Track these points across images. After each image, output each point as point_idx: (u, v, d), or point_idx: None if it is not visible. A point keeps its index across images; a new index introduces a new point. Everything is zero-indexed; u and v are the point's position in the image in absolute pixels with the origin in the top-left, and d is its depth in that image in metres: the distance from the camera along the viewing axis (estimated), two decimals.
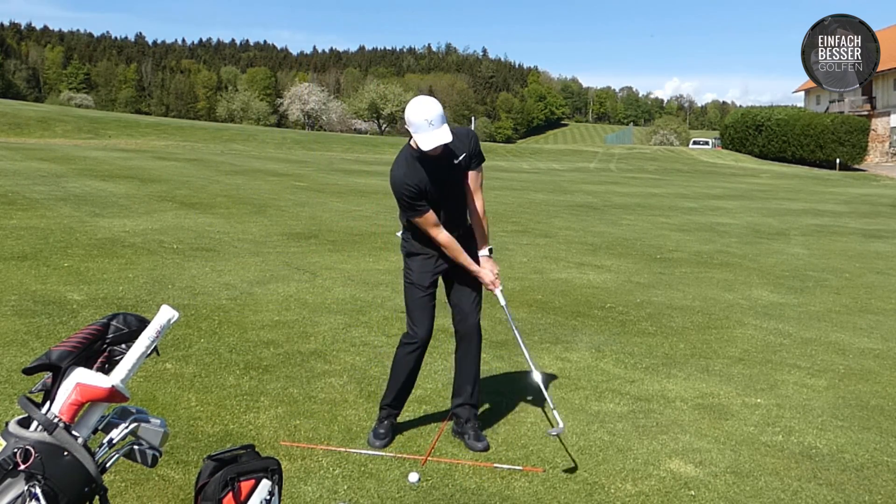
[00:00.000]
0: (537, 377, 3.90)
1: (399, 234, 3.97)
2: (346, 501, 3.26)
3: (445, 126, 3.51)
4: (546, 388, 3.96)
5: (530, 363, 3.92)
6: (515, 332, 4.02)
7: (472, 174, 3.83)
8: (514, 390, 4.71)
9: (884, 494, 3.55)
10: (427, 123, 3.46)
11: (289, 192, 16.47)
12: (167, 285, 6.95)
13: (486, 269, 3.87)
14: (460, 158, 3.73)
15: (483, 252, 3.92)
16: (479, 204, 3.88)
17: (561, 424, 3.76)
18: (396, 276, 7.99)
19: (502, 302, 3.98)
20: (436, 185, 3.68)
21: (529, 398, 4.56)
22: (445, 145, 3.56)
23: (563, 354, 5.49)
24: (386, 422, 3.94)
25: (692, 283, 8.51)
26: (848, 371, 5.42)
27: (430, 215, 3.68)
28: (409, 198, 3.64)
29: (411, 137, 3.62)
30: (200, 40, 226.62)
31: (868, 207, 19.87)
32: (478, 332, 3.96)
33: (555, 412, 3.85)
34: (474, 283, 3.93)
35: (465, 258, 3.82)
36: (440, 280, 3.96)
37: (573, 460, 3.73)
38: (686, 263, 9.82)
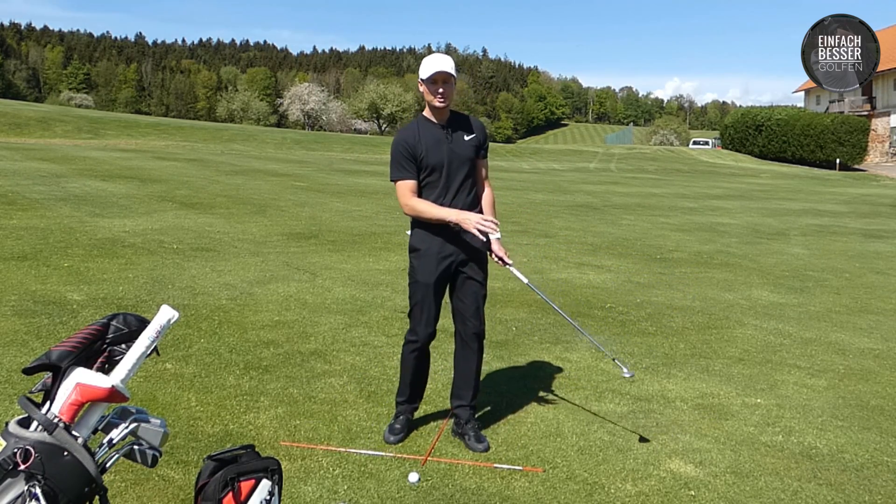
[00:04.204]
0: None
1: (409, 231, 3.98)
2: (346, 501, 3.26)
3: (450, 59, 3.74)
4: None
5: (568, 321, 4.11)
6: (557, 308, 4.13)
7: (479, 162, 3.95)
8: (514, 390, 4.71)
9: (884, 494, 3.55)
10: (437, 56, 3.72)
11: (289, 192, 16.47)
12: (167, 285, 6.95)
13: (468, 213, 3.70)
14: (472, 137, 3.86)
15: (494, 235, 3.87)
16: (488, 191, 4.01)
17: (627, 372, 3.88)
18: (396, 276, 7.99)
19: (523, 280, 3.96)
20: (439, 153, 3.74)
21: (529, 398, 4.56)
22: (462, 120, 3.84)
23: (563, 354, 5.49)
24: (402, 417, 3.97)
25: (692, 283, 8.51)
26: (848, 371, 5.42)
27: (411, 184, 3.73)
28: (400, 155, 3.73)
29: (423, 109, 3.85)
30: (200, 40, 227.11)
31: (868, 207, 19.87)
32: (478, 336, 3.95)
33: (616, 361, 4.20)
34: (478, 287, 3.91)
35: (441, 211, 3.71)
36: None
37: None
38: (686, 263, 9.82)
